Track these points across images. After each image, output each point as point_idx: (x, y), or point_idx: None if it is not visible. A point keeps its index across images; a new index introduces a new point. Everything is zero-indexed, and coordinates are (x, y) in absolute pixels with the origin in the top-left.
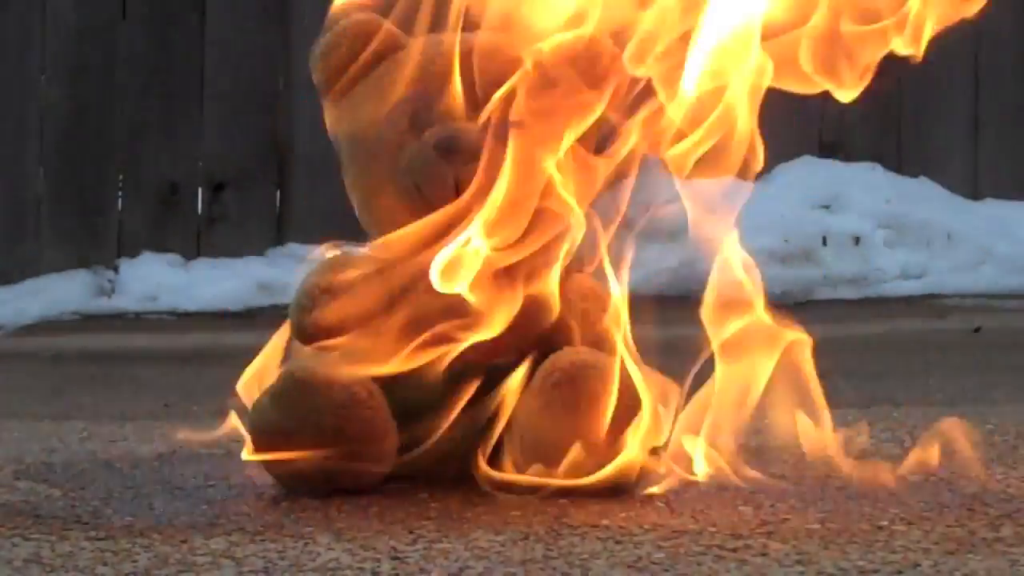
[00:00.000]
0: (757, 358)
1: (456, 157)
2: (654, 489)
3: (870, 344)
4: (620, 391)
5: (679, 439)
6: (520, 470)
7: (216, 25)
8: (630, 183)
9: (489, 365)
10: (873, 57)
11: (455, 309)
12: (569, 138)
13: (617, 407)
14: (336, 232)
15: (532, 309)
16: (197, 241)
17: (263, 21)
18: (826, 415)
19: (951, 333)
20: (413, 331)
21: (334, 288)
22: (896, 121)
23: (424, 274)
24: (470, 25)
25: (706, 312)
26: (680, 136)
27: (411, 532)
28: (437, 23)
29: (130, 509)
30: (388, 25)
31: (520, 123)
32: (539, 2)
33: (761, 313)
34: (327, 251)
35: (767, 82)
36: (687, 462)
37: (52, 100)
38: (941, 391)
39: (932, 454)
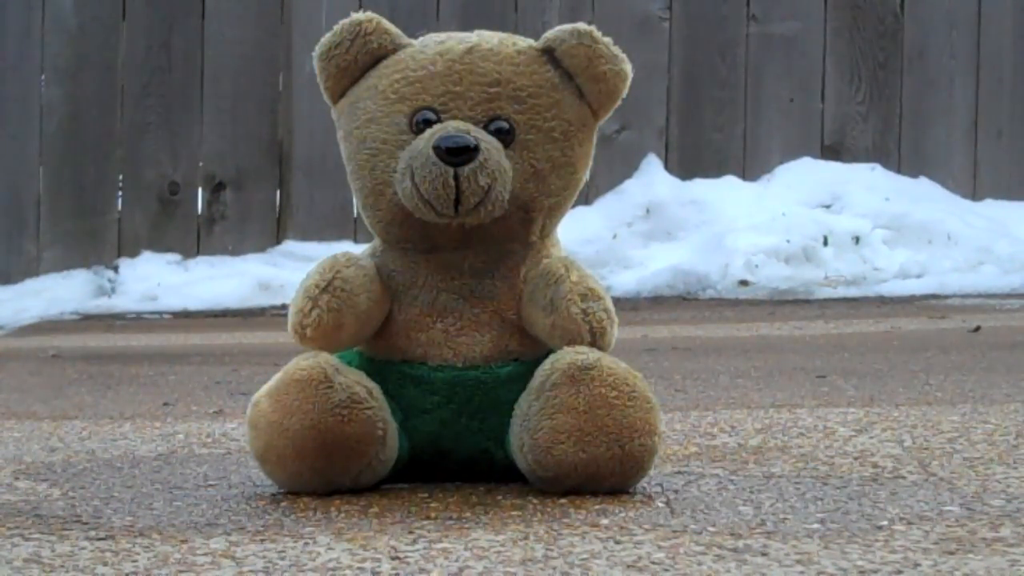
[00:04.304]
0: None
1: (456, 157)
2: (654, 489)
3: (870, 344)
4: (620, 391)
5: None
6: (522, 469)
7: (216, 25)
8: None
9: (487, 366)
10: None
11: (453, 309)
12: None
13: (617, 407)
14: (335, 231)
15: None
16: (197, 241)
17: (263, 21)
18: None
19: (951, 333)
20: (413, 330)
21: (333, 288)
22: (896, 121)
23: (423, 273)
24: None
25: None
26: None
27: (411, 532)
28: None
29: (130, 509)
30: (387, 24)
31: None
32: None
33: None
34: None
35: None
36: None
37: (52, 100)
38: (941, 391)
39: None
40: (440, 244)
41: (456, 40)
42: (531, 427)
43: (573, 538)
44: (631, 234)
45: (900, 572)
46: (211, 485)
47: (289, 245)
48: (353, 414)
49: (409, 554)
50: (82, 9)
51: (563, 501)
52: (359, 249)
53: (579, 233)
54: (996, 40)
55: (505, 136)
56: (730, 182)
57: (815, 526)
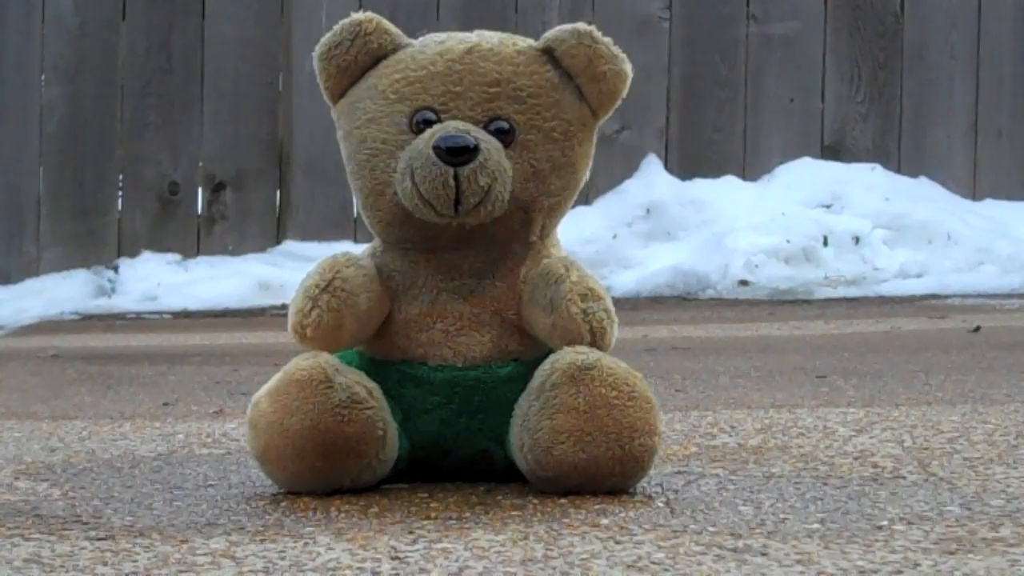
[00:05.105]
0: None
1: (456, 157)
2: (654, 489)
3: (870, 344)
4: (620, 391)
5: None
6: (522, 469)
7: (216, 25)
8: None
9: (487, 366)
10: None
11: (453, 309)
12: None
13: (617, 407)
14: (335, 231)
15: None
16: (197, 241)
17: (263, 21)
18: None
19: (951, 333)
20: (413, 330)
21: (333, 288)
22: (896, 121)
23: (423, 273)
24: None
25: None
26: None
27: (411, 532)
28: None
29: (130, 509)
30: (388, 24)
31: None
32: None
33: None
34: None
35: None
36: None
37: (52, 100)
38: (941, 391)
39: None
40: (440, 244)
41: (456, 40)
42: (531, 427)
43: (573, 538)
44: (631, 234)
45: (900, 572)
46: (211, 485)
47: (289, 245)
48: (353, 414)
49: (409, 554)
50: (82, 9)
51: (563, 501)
52: (359, 249)
53: (579, 233)
54: (996, 40)
55: (505, 136)
56: (730, 182)
57: (815, 526)
